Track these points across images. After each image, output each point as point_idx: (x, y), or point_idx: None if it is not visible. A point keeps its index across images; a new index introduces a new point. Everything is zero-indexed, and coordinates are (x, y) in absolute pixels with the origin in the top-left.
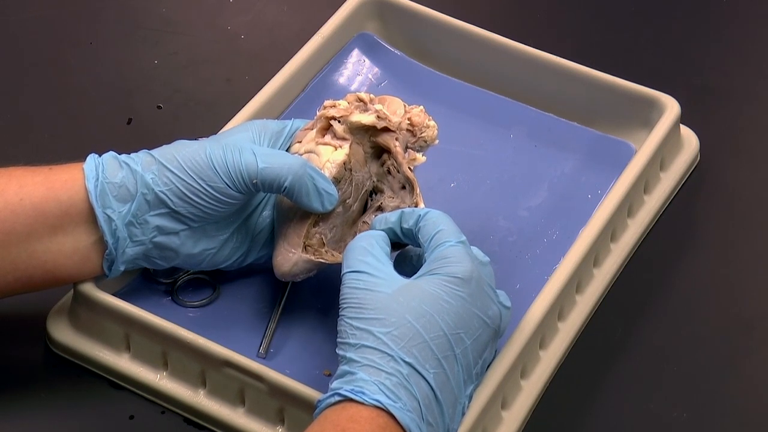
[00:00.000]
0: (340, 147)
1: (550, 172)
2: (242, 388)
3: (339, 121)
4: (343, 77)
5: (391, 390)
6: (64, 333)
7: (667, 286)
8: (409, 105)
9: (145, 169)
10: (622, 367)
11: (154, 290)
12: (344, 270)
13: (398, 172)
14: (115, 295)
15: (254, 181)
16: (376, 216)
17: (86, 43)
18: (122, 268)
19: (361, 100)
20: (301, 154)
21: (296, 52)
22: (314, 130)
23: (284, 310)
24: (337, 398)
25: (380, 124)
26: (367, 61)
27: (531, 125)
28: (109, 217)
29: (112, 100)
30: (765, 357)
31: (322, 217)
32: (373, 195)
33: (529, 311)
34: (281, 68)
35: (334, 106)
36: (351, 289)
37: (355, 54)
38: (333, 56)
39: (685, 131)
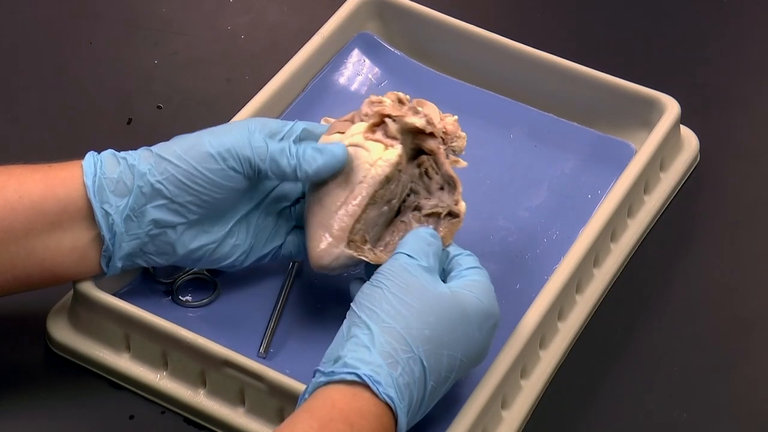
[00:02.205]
0: (392, 146)
1: (550, 172)
2: (242, 387)
3: (394, 120)
4: (343, 77)
5: (401, 388)
6: (64, 333)
7: (667, 286)
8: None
9: (141, 163)
10: (622, 367)
11: (154, 290)
12: (400, 249)
13: (436, 173)
14: (115, 295)
15: (259, 163)
16: (413, 216)
17: (86, 43)
18: (119, 265)
19: (401, 101)
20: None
21: (296, 52)
22: (362, 124)
23: (284, 310)
24: (352, 377)
25: (428, 129)
26: (367, 61)
27: (531, 125)
28: (106, 212)
29: (112, 100)
30: (765, 357)
31: (369, 212)
32: (407, 196)
33: (529, 311)
34: (281, 68)
35: (381, 102)
36: (402, 267)
37: (355, 54)
38: (333, 56)
39: (685, 131)
